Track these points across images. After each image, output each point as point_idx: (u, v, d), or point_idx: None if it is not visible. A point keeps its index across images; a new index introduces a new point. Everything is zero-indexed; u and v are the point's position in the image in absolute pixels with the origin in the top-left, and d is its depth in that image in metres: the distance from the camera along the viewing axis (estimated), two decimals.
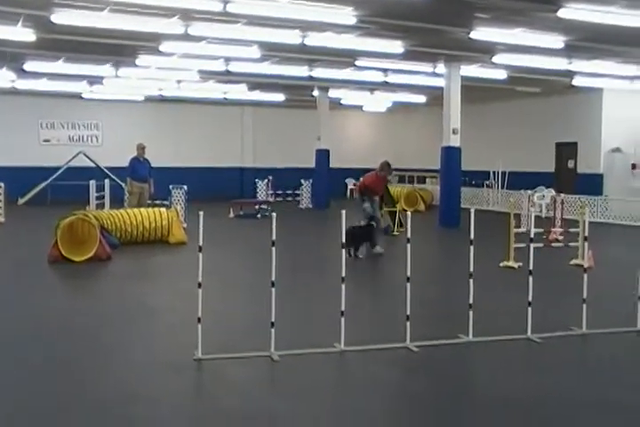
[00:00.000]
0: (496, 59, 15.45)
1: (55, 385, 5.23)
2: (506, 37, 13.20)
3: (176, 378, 5.40)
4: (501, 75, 18.05)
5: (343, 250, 6.20)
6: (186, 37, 13.12)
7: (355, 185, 29.32)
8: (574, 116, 21.89)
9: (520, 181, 20.76)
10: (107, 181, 17.20)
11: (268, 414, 4.71)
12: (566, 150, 22.50)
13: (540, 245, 8.64)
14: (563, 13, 10.90)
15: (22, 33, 12.86)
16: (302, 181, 23.89)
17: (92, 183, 16.42)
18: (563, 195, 14.30)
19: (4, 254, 12.18)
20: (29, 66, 17.04)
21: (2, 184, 17.68)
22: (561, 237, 11.72)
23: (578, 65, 16.35)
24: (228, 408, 4.78)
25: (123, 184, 18.03)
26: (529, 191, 15.73)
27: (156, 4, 10.71)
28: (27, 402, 4.86)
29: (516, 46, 14.01)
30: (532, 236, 7.02)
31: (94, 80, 20.18)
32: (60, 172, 23.46)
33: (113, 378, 5.41)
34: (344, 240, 6.14)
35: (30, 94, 23.38)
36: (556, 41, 13.50)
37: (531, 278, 6.54)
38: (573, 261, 10.65)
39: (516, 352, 6.24)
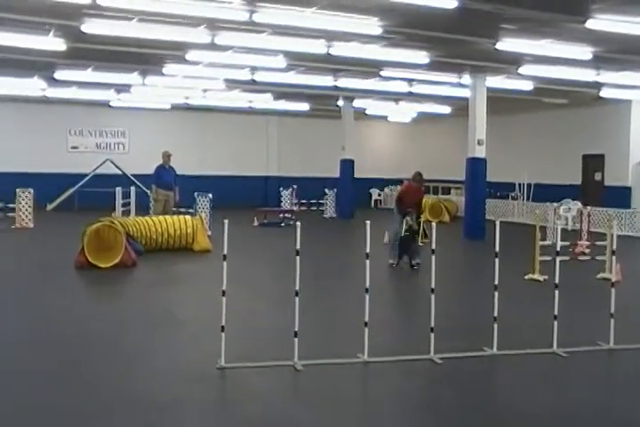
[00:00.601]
0: (522, 70, 15.37)
1: (75, 390, 5.26)
2: (533, 48, 13.13)
3: (199, 386, 5.41)
4: (528, 86, 17.95)
5: (367, 261, 6.16)
6: (212, 47, 13.23)
7: (379, 195, 29.36)
8: (602, 128, 21.68)
9: (546, 193, 20.58)
10: (132, 189, 17.34)
11: (290, 424, 4.70)
12: (593, 162, 22.27)
13: (567, 258, 8.53)
14: (591, 24, 10.81)
15: (53, 42, 13.09)
16: (326, 190, 23.90)
17: (119, 190, 16.57)
18: (589, 207, 14.15)
19: (31, 259, 12.32)
20: (59, 75, 17.31)
21: (31, 190, 17.91)
22: (587, 251, 11.58)
23: (606, 76, 16.21)
24: (250, 417, 4.77)
25: (148, 191, 18.17)
26: (555, 204, 15.59)
27: (182, 13, 10.81)
28: (47, 404, 4.89)
29: (543, 57, 13.92)
30: (558, 249, 6.96)
31: (122, 88, 20.42)
32: (87, 178, 23.74)
33: (135, 385, 5.44)
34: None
35: (60, 102, 23.75)
36: (584, 52, 13.40)
37: (557, 292, 6.46)
38: (600, 275, 10.52)
39: (541, 366, 6.16)
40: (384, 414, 4.95)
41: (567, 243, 9.95)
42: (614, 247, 7.51)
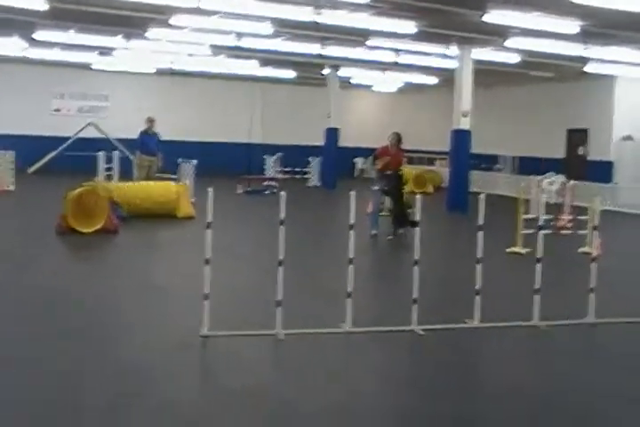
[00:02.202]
0: (509, 42, 15.28)
1: (56, 357, 5.27)
2: (520, 21, 13.03)
3: (181, 354, 5.44)
4: (514, 59, 17.87)
5: (351, 231, 6.15)
6: (198, 11, 13.00)
7: (364, 164, 29.30)
8: (586, 103, 21.71)
9: (530, 166, 20.67)
10: (115, 153, 17.15)
11: (270, 393, 4.75)
12: (577, 137, 22.35)
13: (549, 231, 8.60)
14: None
15: (35, 1, 12.78)
16: (310, 159, 23.81)
17: (101, 155, 16.39)
18: (572, 182, 14.23)
19: (12, 223, 12.23)
20: (39, 35, 16.93)
21: (12, 153, 17.68)
22: (570, 225, 11.68)
23: (592, 51, 16.15)
24: (231, 386, 4.82)
25: (131, 156, 18.03)
26: (538, 177, 15.65)
27: None
28: (29, 371, 4.91)
29: (530, 30, 13.84)
30: (540, 222, 7.01)
31: (105, 51, 20.07)
32: (69, 142, 23.44)
33: (117, 352, 5.45)
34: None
35: (42, 64, 23.30)
36: (572, 26, 13.33)
37: (539, 265, 6.53)
38: (582, 249, 10.64)
39: (522, 339, 6.26)
40: (365, 385, 5.02)
41: (550, 216, 10.03)
42: (596, 222, 7.58)
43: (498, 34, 14.83)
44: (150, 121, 15.97)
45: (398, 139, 12.50)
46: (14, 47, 19.49)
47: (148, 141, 15.76)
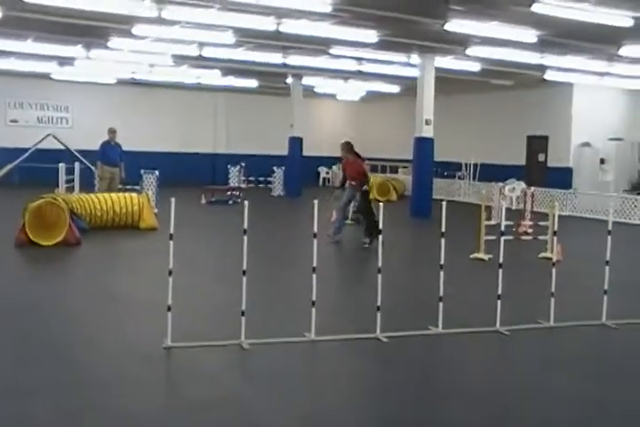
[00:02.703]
0: (470, 51, 15.50)
1: (16, 369, 5.17)
2: (480, 30, 13.24)
3: (145, 366, 5.37)
4: (475, 67, 18.12)
5: (315, 240, 6.15)
6: (159, 21, 12.94)
7: (327, 173, 29.39)
8: (545, 110, 22.10)
9: (491, 173, 20.93)
10: (77, 165, 16.96)
11: (236, 403, 4.71)
12: (537, 144, 22.73)
13: (510, 237, 8.71)
14: (536, 8, 10.98)
15: None
16: (275, 168, 23.80)
17: (62, 166, 16.19)
18: (533, 188, 14.45)
19: None
20: None
21: None
22: (530, 230, 11.85)
23: (550, 59, 16.50)
24: (197, 396, 4.77)
25: (93, 167, 17.82)
26: (500, 183, 15.87)
27: None
28: None
29: (491, 39, 14.07)
30: (502, 229, 7.10)
31: (65, 61, 19.82)
32: (28, 153, 22.98)
33: (78, 364, 5.36)
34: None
35: None
36: (530, 35, 13.58)
37: (500, 271, 6.60)
38: (542, 255, 10.79)
39: (485, 345, 6.31)
40: (330, 393, 5.01)
41: (511, 223, 10.16)
42: (556, 228, 7.70)
43: (459, 42, 15.02)
44: (112, 131, 15.85)
45: (348, 148, 12.37)
46: None
47: (109, 152, 15.62)
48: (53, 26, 14.31)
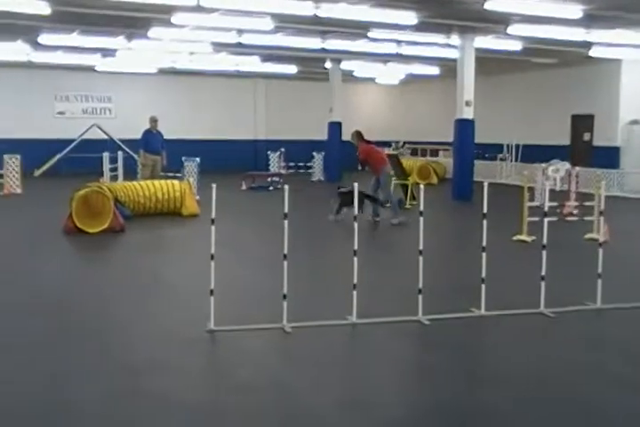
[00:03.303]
0: (511, 30, 15.19)
1: (65, 354, 5.29)
2: (521, 8, 12.96)
3: (188, 350, 5.45)
4: (516, 46, 17.77)
5: (355, 223, 6.15)
6: (198, 9, 12.98)
7: None
8: (591, 88, 21.56)
9: (534, 154, 20.57)
10: (120, 154, 17.20)
11: (278, 386, 4.75)
12: (582, 123, 22.22)
13: (555, 218, 8.56)
14: None
15: (38, 6, 12.81)
16: (314, 153, 23.79)
17: (106, 155, 16.44)
18: (578, 168, 14.15)
19: (20, 225, 12.26)
20: (44, 39, 17.00)
21: (18, 156, 17.76)
22: (575, 211, 11.62)
23: (596, 35, 16.01)
24: (239, 380, 4.82)
25: (135, 156, 18.07)
26: (543, 164, 15.58)
27: None
28: (37, 367, 4.93)
29: (532, 17, 13.75)
30: (545, 209, 6.98)
31: (107, 53, 20.10)
32: (74, 144, 23.56)
33: (124, 349, 5.47)
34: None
35: (45, 67, 23.37)
36: (574, 10, 13.23)
37: (544, 252, 6.51)
38: (588, 236, 10.59)
39: (529, 327, 6.22)
40: (372, 377, 5.01)
41: (555, 204, 9.98)
42: (602, 208, 7.54)
43: (499, 21, 14.74)
44: (154, 120, 16.01)
45: (358, 137, 13.03)
46: (19, 52, 19.59)
47: (151, 140, 15.80)
48: (97, 19, 14.54)
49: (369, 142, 13.09)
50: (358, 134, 13.06)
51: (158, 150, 15.72)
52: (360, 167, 13.69)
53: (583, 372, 5.07)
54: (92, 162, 19.02)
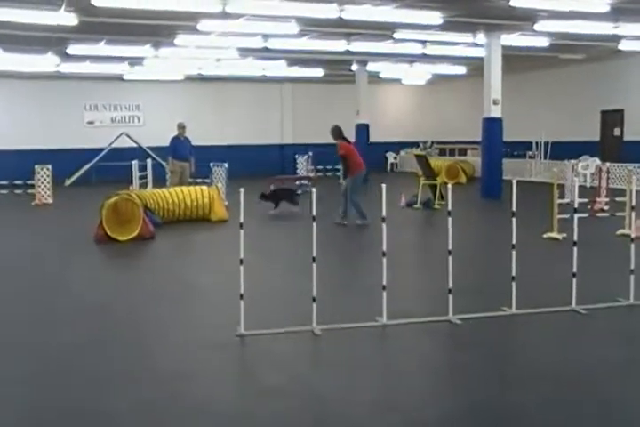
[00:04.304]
0: (538, 26, 15.06)
1: (98, 360, 5.34)
2: (547, 3, 12.84)
3: (219, 354, 5.47)
4: (543, 42, 17.61)
5: (384, 224, 6.13)
6: (223, 15, 13.09)
7: (395, 159, 29.20)
8: (620, 83, 21.25)
9: (563, 150, 20.31)
10: (149, 161, 17.39)
11: (310, 390, 4.74)
12: (612, 118, 21.91)
13: (585, 215, 8.45)
14: None
15: (65, 17, 13.03)
16: None
17: (135, 163, 16.62)
18: (608, 164, 13.97)
19: (52, 234, 12.46)
20: (72, 49, 17.30)
21: (49, 166, 18.04)
22: (606, 207, 11.48)
23: (625, 28, 15.76)
24: (271, 384, 4.82)
25: (164, 163, 18.24)
26: (573, 161, 15.41)
27: None
28: (72, 374, 4.99)
29: (559, 12, 13.61)
30: (576, 206, 6.91)
31: (135, 61, 20.37)
32: (103, 153, 23.87)
33: (155, 354, 5.51)
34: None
35: (74, 77, 23.77)
36: (601, 4, 13.07)
37: (575, 249, 6.43)
38: (620, 232, 10.42)
39: (561, 324, 6.14)
40: (404, 378, 4.98)
41: (586, 200, 9.86)
42: (634, 203, 7.43)
43: (526, 18, 14.63)
44: (181, 127, 16.11)
45: (339, 133, 12.57)
46: (48, 63, 19.95)
47: (179, 147, 15.90)
48: (123, 28, 14.75)
49: (349, 142, 12.83)
50: (339, 130, 12.64)
51: (186, 157, 15.82)
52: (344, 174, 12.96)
53: (617, 370, 4.99)
54: (121, 170, 19.28)
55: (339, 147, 12.46)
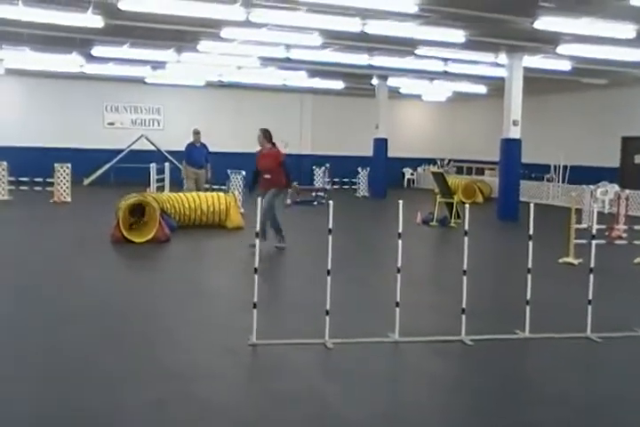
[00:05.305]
0: (561, 49, 15.05)
1: (108, 361, 5.36)
2: (572, 27, 12.83)
3: (230, 362, 5.48)
4: (566, 66, 17.59)
5: (400, 240, 6.12)
6: (247, 24, 13.18)
7: (412, 175, 29.19)
8: None
9: (582, 175, 20.26)
10: (167, 165, 17.48)
11: (319, 401, 4.74)
12: (633, 145, 21.81)
13: (603, 241, 8.41)
14: (636, 1, 10.51)
15: (92, 19, 13.18)
16: (359, 169, 23.82)
17: (153, 166, 16.72)
18: (627, 191, 13.89)
19: (69, 233, 12.52)
20: (97, 51, 17.46)
21: (69, 165, 18.19)
22: (624, 235, 11.39)
23: None
24: (280, 394, 4.82)
25: (181, 167, 18.32)
26: (591, 186, 15.34)
27: None
28: (82, 374, 5.01)
29: (583, 36, 13.60)
30: (594, 232, 6.87)
31: (157, 65, 20.50)
32: (122, 154, 24.04)
33: (166, 359, 5.50)
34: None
35: (97, 79, 23.95)
36: (628, 30, 13.03)
37: (592, 276, 6.39)
38: (637, 260, 10.37)
39: (575, 351, 6.10)
40: (413, 395, 4.97)
41: (603, 226, 9.81)
42: None
43: (549, 41, 14.62)
44: (196, 133, 16.05)
45: (266, 136, 10.93)
46: (72, 64, 20.15)
47: (193, 153, 15.85)
48: (148, 32, 14.87)
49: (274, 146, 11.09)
50: (269, 134, 11.02)
51: (200, 164, 15.71)
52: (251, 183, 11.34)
53: (633, 401, 4.94)
54: (139, 172, 19.40)
55: (274, 153, 10.80)
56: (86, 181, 23.25)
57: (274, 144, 11.02)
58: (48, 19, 13.15)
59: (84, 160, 22.30)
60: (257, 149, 11.31)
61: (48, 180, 19.42)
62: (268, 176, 10.56)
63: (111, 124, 26.09)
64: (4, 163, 18.23)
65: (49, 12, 12.78)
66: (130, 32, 15.15)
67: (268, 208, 10.21)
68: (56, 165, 18.22)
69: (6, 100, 24.71)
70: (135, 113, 26.44)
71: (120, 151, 24.08)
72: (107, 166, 23.90)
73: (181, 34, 15.07)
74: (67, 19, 13.15)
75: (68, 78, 24.11)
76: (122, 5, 11.82)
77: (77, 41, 16.32)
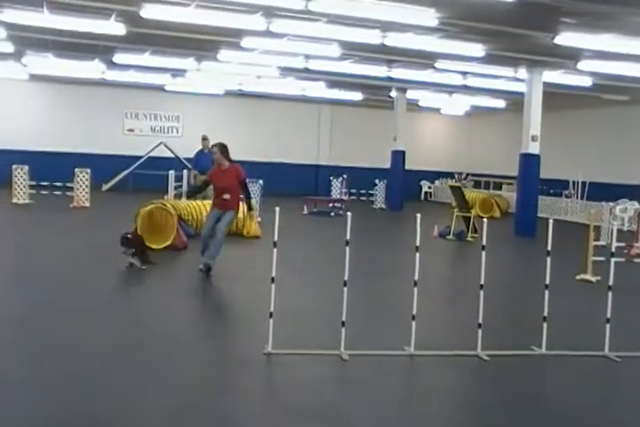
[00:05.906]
0: (581, 65, 15.01)
1: (125, 369, 5.37)
2: (592, 43, 12.80)
3: (245, 372, 5.48)
4: (586, 82, 17.54)
5: (417, 253, 6.11)
6: (267, 34, 13.27)
7: (430, 188, 29.13)
8: None
9: (601, 191, 20.10)
10: (185, 172, 17.56)
11: (334, 413, 4.72)
12: None
13: (621, 259, 8.34)
14: None
15: (114, 27, 13.35)
16: (377, 181, 23.82)
17: (172, 173, 16.80)
18: None
19: (87, 238, 12.58)
20: (118, 58, 17.65)
21: (88, 170, 18.33)
22: None
23: None
24: (295, 405, 4.81)
25: (191, 175, 18.38)
26: (611, 203, 15.23)
27: (239, 0, 10.90)
28: (99, 380, 5.02)
29: (604, 53, 13.57)
30: (612, 249, 6.81)
31: (177, 73, 20.68)
32: (141, 161, 24.21)
33: (181, 368, 5.51)
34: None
35: (117, 85, 24.17)
36: None
37: (610, 294, 6.34)
38: None
39: (593, 370, 6.04)
40: (428, 409, 4.94)
41: (622, 244, 9.73)
42: None
43: (569, 56, 14.60)
44: (204, 139, 16.00)
45: (223, 151, 9.69)
46: (94, 70, 20.38)
47: (202, 160, 15.77)
48: (169, 40, 15.02)
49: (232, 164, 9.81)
50: (227, 150, 9.77)
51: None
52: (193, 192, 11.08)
53: None
54: (157, 179, 19.50)
55: (235, 170, 9.65)
56: (105, 187, 23.42)
57: (231, 161, 9.77)
58: (72, 26, 13.35)
59: (103, 166, 22.47)
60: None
61: (68, 184, 19.59)
62: (227, 197, 9.52)
63: (131, 130, 26.30)
64: (26, 167, 18.41)
65: (73, 20, 12.97)
66: (151, 40, 15.31)
67: (223, 231, 9.58)
68: (76, 169, 18.38)
69: (29, 106, 25.00)
70: (154, 120, 26.64)
71: (139, 158, 24.25)
72: (125, 172, 24.08)
73: (202, 43, 15.19)
74: (90, 26, 13.34)
75: (90, 85, 24.36)
76: (144, 13, 11.96)
77: (100, 48, 16.51)
